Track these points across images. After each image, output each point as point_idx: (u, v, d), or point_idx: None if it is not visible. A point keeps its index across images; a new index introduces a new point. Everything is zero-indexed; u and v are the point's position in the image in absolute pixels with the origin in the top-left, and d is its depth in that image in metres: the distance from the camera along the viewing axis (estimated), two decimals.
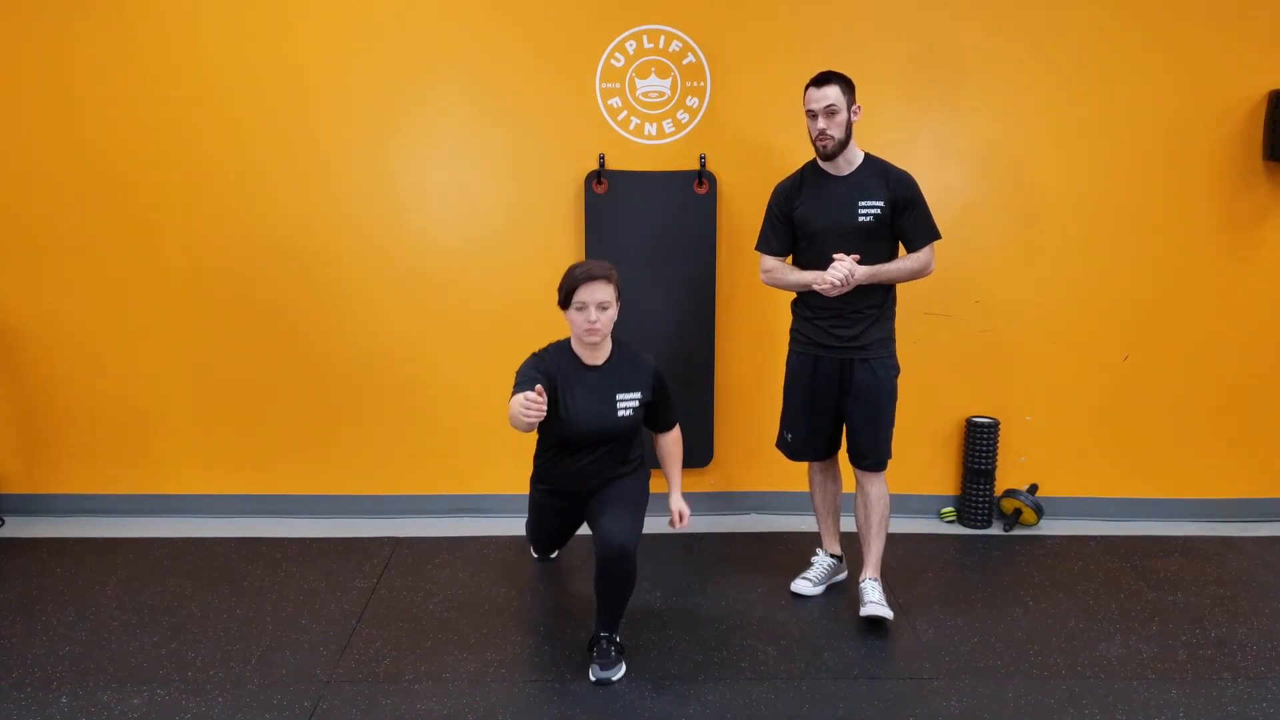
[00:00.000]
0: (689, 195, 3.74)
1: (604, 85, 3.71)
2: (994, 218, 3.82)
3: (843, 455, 3.28)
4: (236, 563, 3.54)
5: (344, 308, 3.85)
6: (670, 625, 3.11)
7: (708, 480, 4.02)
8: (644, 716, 2.61)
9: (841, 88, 2.95)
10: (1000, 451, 3.94)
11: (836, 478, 3.37)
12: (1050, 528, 3.92)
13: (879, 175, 3.03)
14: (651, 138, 3.75)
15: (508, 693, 2.73)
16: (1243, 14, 3.66)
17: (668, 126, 3.75)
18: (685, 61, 3.71)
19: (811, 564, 3.42)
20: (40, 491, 3.96)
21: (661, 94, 3.73)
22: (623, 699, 2.70)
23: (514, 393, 2.74)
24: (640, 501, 2.96)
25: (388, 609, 3.20)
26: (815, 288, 2.99)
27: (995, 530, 3.92)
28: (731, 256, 3.80)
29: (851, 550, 3.46)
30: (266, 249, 3.80)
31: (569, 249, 3.76)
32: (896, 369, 3.14)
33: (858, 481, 3.20)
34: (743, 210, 3.74)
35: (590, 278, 2.77)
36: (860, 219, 3.00)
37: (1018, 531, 3.91)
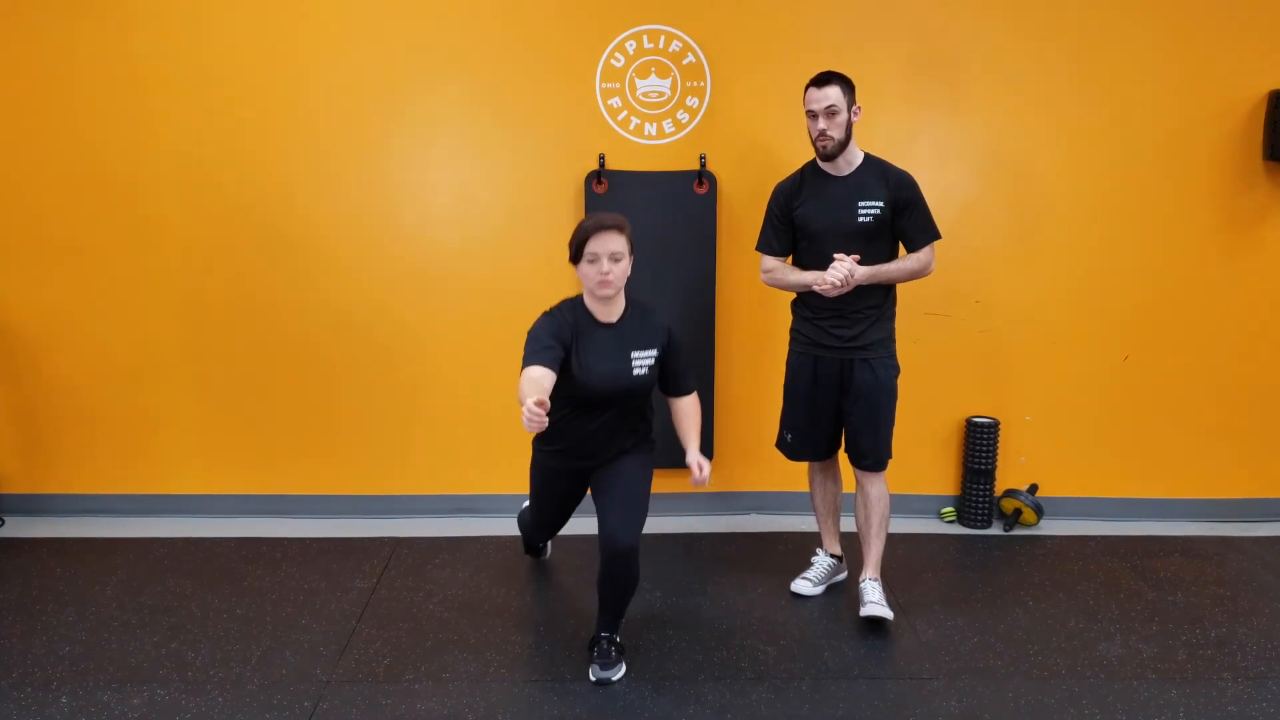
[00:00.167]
0: (689, 195, 3.75)
1: (604, 85, 3.71)
2: (994, 218, 3.82)
3: (843, 455, 3.28)
4: (236, 563, 3.54)
5: (344, 307, 3.85)
6: (670, 625, 3.11)
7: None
8: (644, 716, 2.61)
9: (842, 88, 2.95)
10: (1000, 451, 3.94)
11: (836, 478, 3.37)
12: (1050, 528, 3.92)
13: (879, 175, 3.03)
14: (651, 138, 3.75)
15: (508, 693, 2.73)
16: (1243, 14, 3.66)
17: (668, 126, 3.75)
18: (685, 61, 3.71)
19: (811, 564, 3.42)
20: (40, 491, 3.96)
21: (661, 94, 3.73)
22: (623, 699, 2.70)
23: (525, 358, 2.63)
24: (645, 490, 2.86)
25: (388, 609, 3.20)
26: (815, 288, 2.99)
27: (995, 530, 3.92)
28: (731, 256, 3.80)
29: (851, 550, 3.46)
30: (266, 248, 3.80)
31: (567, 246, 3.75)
32: (896, 369, 3.14)
33: (858, 481, 3.20)
34: (743, 210, 3.74)
35: (601, 228, 2.64)
36: (860, 219, 3.00)
37: (1018, 531, 3.91)
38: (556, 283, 3.53)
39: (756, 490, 4.02)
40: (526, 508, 3.36)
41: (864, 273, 2.96)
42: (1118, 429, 3.97)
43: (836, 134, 2.96)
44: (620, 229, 2.66)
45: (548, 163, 3.76)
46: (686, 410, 2.92)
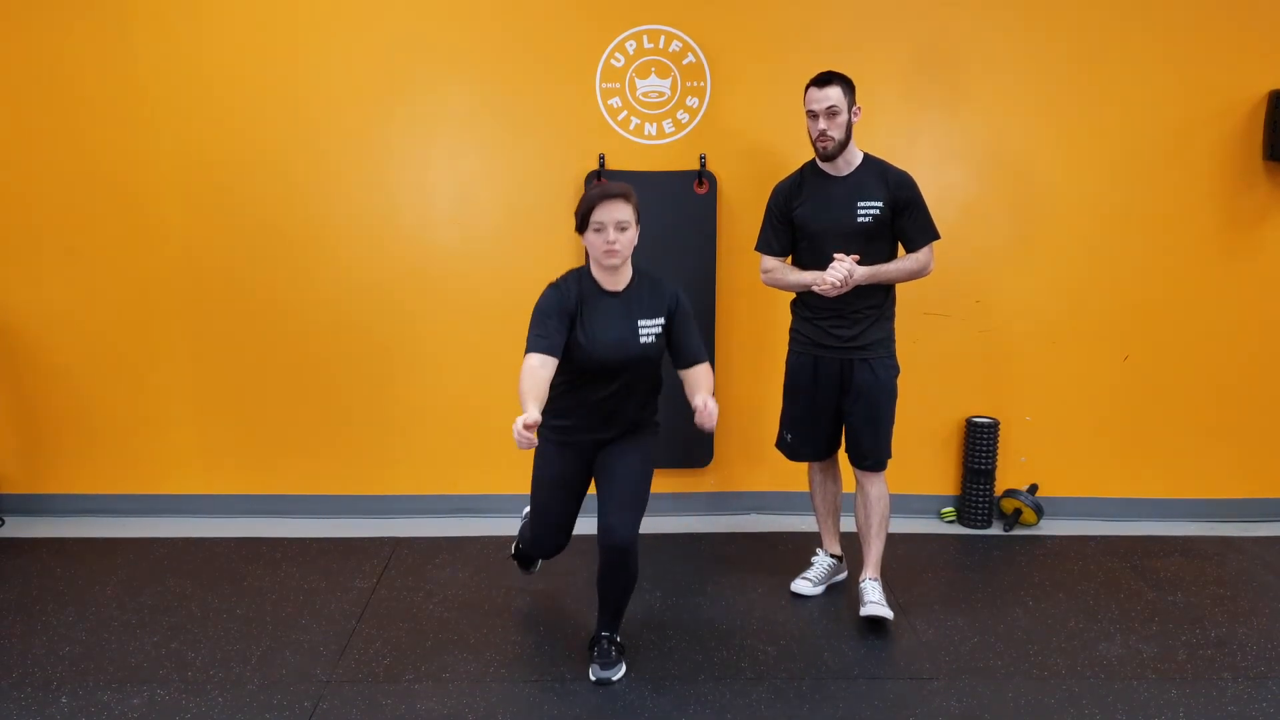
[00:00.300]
0: (689, 195, 3.75)
1: (604, 85, 3.71)
2: (994, 218, 3.82)
3: (842, 455, 3.28)
4: (236, 563, 3.54)
5: (344, 307, 3.85)
6: (670, 625, 3.11)
7: (708, 480, 4.02)
8: (644, 716, 2.61)
9: (843, 88, 2.95)
10: (1000, 451, 3.94)
11: (836, 478, 3.37)
12: (1050, 528, 3.92)
13: (878, 176, 3.03)
14: (651, 138, 3.75)
15: (508, 693, 2.73)
16: (1243, 14, 3.66)
17: (668, 126, 3.75)
18: (685, 61, 3.71)
19: (811, 564, 3.42)
20: (40, 491, 3.96)
21: (661, 94, 3.73)
22: (623, 699, 2.70)
23: (527, 341, 2.61)
24: (645, 484, 2.81)
25: (388, 609, 3.20)
26: (815, 288, 2.99)
27: (995, 530, 3.92)
28: (731, 256, 3.80)
29: (851, 550, 3.46)
30: (267, 248, 3.80)
31: (569, 249, 3.76)
32: (896, 369, 3.14)
33: (858, 481, 3.20)
34: (743, 210, 3.74)
35: (607, 196, 2.59)
36: (860, 219, 3.00)
37: (1018, 531, 3.91)
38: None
39: (756, 490, 4.02)
40: (526, 524, 3.21)
41: (863, 273, 2.96)
42: (1118, 429, 3.97)
43: (837, 134, 2.96)
44: (626, 197, 2.62)
45: (548, 163, 3.76)
46: (699, 376, 2.75)
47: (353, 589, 3.34)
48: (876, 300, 3.06)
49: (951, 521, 4.01)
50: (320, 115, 3.71)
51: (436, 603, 3.25)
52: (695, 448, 3.89)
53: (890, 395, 3.13)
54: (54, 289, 3.82)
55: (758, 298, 3.75)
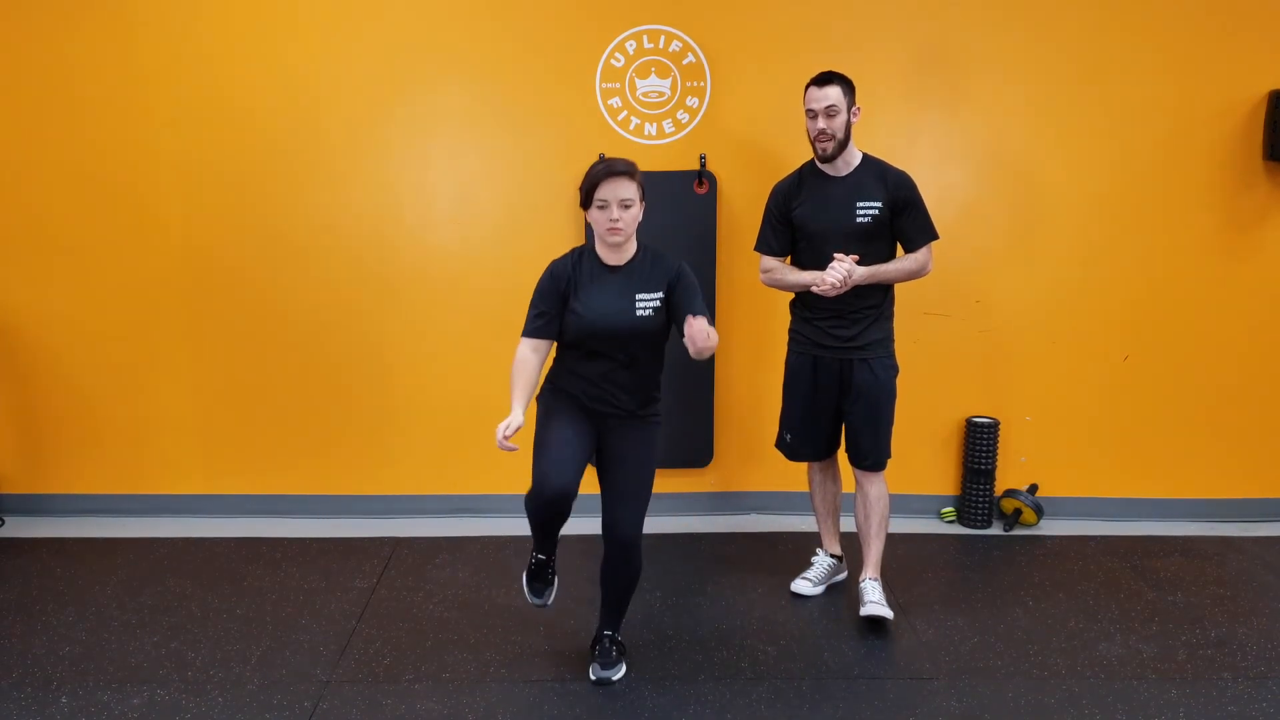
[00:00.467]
0: (689, 195, 3.75)
1: (604, 85, 3.71)
2: (994, 218, 3.82)
3: (842, 455, 3.28)
4: (236, 563, 3.54)
5: (344, 307, 3.85)
6: (670, 625, 3.11)
7: (707, 480, 4.02)
8: (644, 716, 2.61)
9: (843, 88, 2.96)
10: (1000, 451, 3.94)
11: (836, 478, 3.37)
12: (1050, 528, 3.92)
13: (877, 176, 3.03)
14: (651, 138, 3.75)
15: (508, 693, 2.73)
16: (1243, 14, 3.66)
17: (668, 126, 3.75)
18: (685, 61, 3.71)
19: (811, 564, 3.42)
20: (40, 491, 3.96)
21: (661, 94, 3.73)
22: (623, 699, 2.70)
23: (526, 318, 2.67)
24: (649, 479, 2.77)
25: (388, 609, 3.20)
26: (814, 288, 2.99)
27: (995, 530, 3.92)
28: (731, 256, 3.80)
29: (851, 550, 3.46)
30: (267, 248, 3.80)
31: (569, 248, 3.75)
32: (896, 369, 3.14)
33: (857, 481, 3.20)
34: (743, 210, 3.74)
35: (612, 173, 2.56)
36: (859, 220, 3.00)
37: (1018, 531, 3.91)
38: None
39: (756, 490, 4.02)
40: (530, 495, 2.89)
41: (862, 273, 2.96)
42: (1118, 429, 3.97)
43: (836, 134, 2.96)
44: (631, 175, 2.60)
45: (548, 163, 3.76)
46: (700, 325, 2.54)
47: (353, 589, 3.34)
48: (875, 300, 3.06)
49: (951, 521, 4.01)
50: (321, 116, 3.71)
51: (436, 603, 3.25)
52: (695, 448, 3.89)
53: (890, 395, 3.13)
54: (55, 289, 3.82)
55: (757, 298, 3.75)
